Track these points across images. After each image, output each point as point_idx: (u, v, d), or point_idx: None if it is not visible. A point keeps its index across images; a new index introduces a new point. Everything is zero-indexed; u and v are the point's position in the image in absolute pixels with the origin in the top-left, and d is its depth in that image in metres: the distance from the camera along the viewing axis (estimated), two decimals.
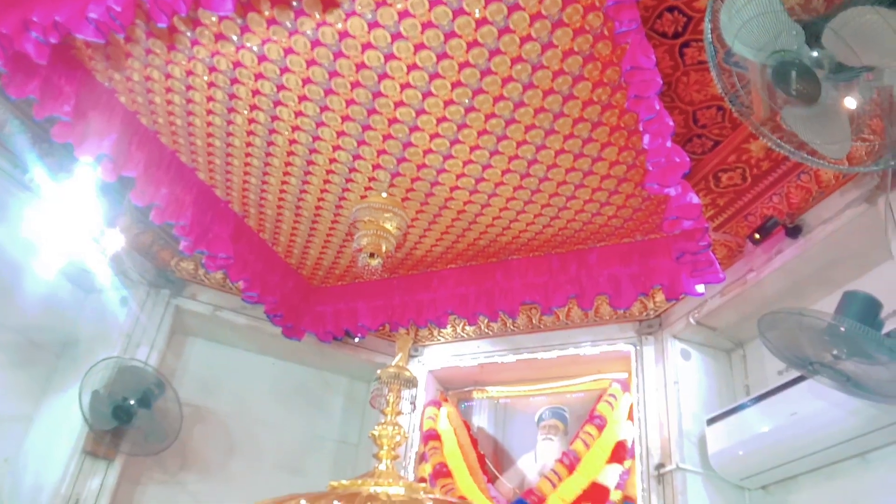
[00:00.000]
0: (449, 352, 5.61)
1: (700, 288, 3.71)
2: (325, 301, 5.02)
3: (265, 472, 5.23)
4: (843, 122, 2.68)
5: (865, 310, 2.95)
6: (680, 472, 4.23)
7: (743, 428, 3.98)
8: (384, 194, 3.78)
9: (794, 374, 3.68)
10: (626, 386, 4.95)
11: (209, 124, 3.54)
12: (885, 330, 2.94)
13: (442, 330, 5.53)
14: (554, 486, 4.64)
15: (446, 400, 5.69)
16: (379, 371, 3.50)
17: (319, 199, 3.98)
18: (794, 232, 3.84)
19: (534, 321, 5.25)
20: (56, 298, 4.83)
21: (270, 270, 4.60)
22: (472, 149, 3.45)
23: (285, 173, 3.81)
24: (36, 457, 4.51)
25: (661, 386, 4.61)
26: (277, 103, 3.32)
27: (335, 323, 4.94)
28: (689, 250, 3.40)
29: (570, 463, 4.69)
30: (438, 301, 4.57)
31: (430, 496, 2.84)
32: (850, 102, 2.70)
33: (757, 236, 4.02)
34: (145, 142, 3.70)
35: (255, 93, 3.28)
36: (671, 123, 2.83)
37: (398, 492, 2.84)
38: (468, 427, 5.48)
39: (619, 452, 4.63)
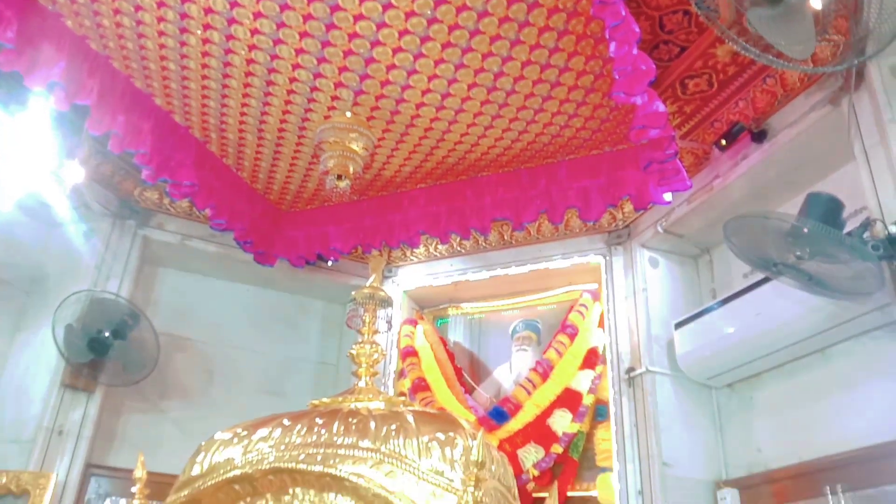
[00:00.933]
0: (422, 271, 5.65)
1: (667, 196, 3.75)
2: (296, 226, 4.98)
3: (246, 396, 5.31)
4: (808, 21, 2.66)
5: (828, 210, 3.02)
6: (649, 375, 4.38)
7: (709, 330, 4.11)
8: (348, 113, 3.70)
9: (759, 276, 3.79)
10: (596, 296, 5.05)
11: (162, 46, 3.41)
12: (846, 229, 3.01)
13: (415, 250, 5.55)
14: (529, 393, 4.78)
15: (422, 318, 5.77)
16: (354, 292, 3.51)
17: (282, 121, 3.89)
18: (760, 137, 3.87)
19: (505, 237, 5.29)
20: (20, 235, 4.74)
21: (237, 197, 4.54)
22: (437, 63, 3.37)
23: (245, 95, 3.70)
24: (15, 392, 4.52)
25: (631, 294, 4.72)
26: (231, 21, 3.19)
27: (307, 247, 4.92)
28: (656, 159, 3.41)
29: (543, 371, 4.82)
30: (409, 221, 4.57)
31: (410, 408, 2.91)
32: (815, 2, 2.68)
33: (723, 142, 4.04)
34: (98, 68, 3.56)
35: (208, 11, 3.15)
36: (637, 30, 2.78)
37: (378, 406, 2.90)
38: (444, 342, 5.58)
39: (591, 359, 4.77)
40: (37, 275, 4.90)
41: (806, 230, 2.93)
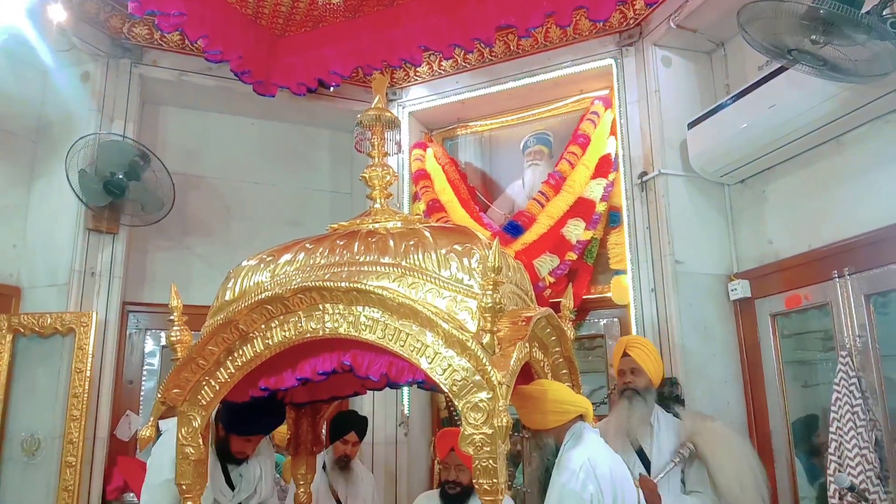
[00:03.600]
0: (428, 91, 5.52)
1: None
2: (292, 52, 4.82)
3: (265, 229, 5.42)
4: None
5: None
6: (662, 178, 4.39)
7: (723, 126, 4.06)
8: None
9: (773, 67, 3.67)
10: (608, 102, 4.95)
11: None
12: (864, 8, 2.86)
13: (418, 69, 5.40)
14: (542, 205, 4.84)
15: (431, 140, 5.73)
16: (359, 115, 3.46)
17: None
18: None
19: (511, 47, 5.10)
20: (16, 85, 4.66)
21: (229, 24, 4.37)
22: None
23: None
24: (42, 239, 4.66)
25: (643, 96, 4.62)
26: None
27: (305, 73, 4.80)
28: None
29: (556, 183, 4.85)
30: (409, 37, 4.40)
31: (426, 224, 2.96)
32: None
33: None
34: None
35: None
36: None
37: (396, 225, 2.95)
38: (456, 163, 5.58)
39: (604, 167, 4.77)
40: (41, 123, 4.86)
41: (823, 11, 2.79)
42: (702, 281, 4.32)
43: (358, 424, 4.16)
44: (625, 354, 3.59)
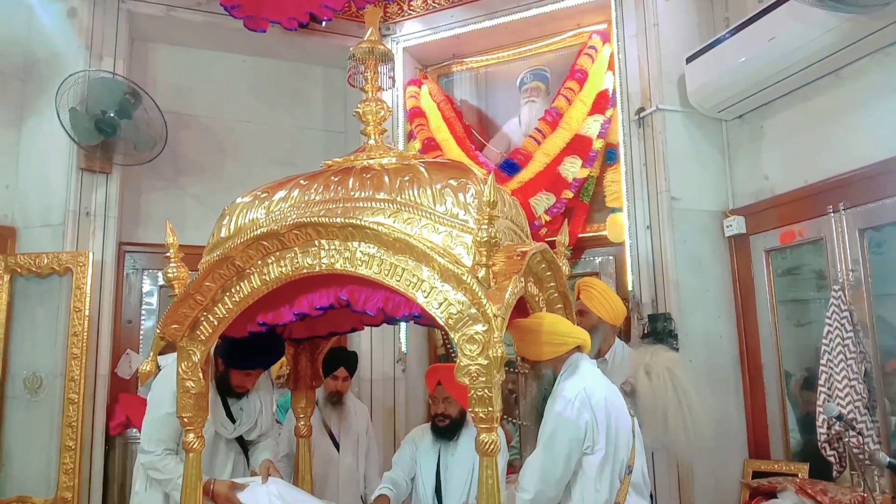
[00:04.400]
0: (422, 26, 5.42)
1: None
2: None
3: (258, 168, 5.38)
4: None
5: None
6: (660, 113, 4.35)
7: (721, 61, 4.01)
8: None
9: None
10: (605, 37, 4.87)
11: None
12: None
13: (412, 2, 5.28)
14: (538, 143, 4.81)
15: (426, 77, 5.64)
16: (351, 49, 3.40)
17: None
18: None
19: None
20: (1, 22, 4.55)
21: None
22: None
23: None
24: (35, 180, 4.62)
25: (642, 30, 4.53)
26: None
27: (296, 7, 4.69)
28: None
29: (552, 120, 4.80)
30: None
31: (421, 160, 2.95)
32: None
33: None
34: None
35: None
36: None
37: (390, 160, 2.93)
38: (451, 101, 5.51)
39: (601, 103, 4.73)
40: (28, 61, 4.77)
41: None
42: (697, 217, 4.33)
43: (347, 360, 4.20)
44: (577, 297, 3.60)
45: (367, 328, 4.65)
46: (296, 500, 3.05)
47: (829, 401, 3.37)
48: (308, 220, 2.61)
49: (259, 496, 3.02)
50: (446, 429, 3.38)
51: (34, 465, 4.29)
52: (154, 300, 5.06)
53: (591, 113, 4.74)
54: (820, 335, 3.56)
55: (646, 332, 4.12)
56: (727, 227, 4.29)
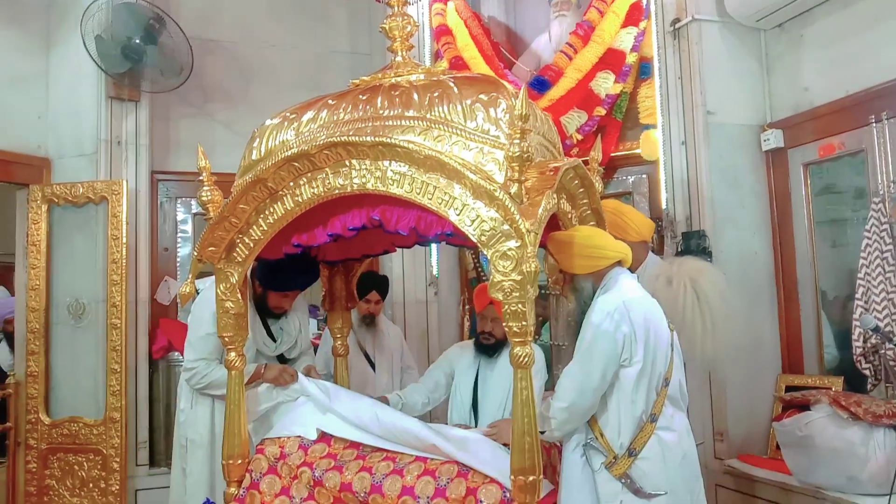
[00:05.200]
0: None
1: None
2: None
3: (286, 92, 5.29)
4: None
5: None
6: (695, 24, 4.18)
7: None
8: None
9: None
10: None
11: None
12: None
13: None
14: (570, 58, 4.67)
15: None
16: None
17: None
18: None
19: None
20: None
21: None
22: None
23: None
24: (65, 110, 4.66)
25: None
26: None
27: None
28: None
29: (584, 33, 4.65)
30: None
31: (451, 75, 2.89)
32: None
33: None
34: None
35: None
36: None
37: (419, 77, 2.88)
38: (478, 18, 5.35)
39: (634, 14, 4.55)
40: None
41: None
42: (734, 132, 4.21)
43: (378, 284, 4.29)
44: None
45: (399, 251, 4.71)
46: (337, 390, 3.17)
47: (865, 313, 3.34)
48: (338, 139, 2.60)
49: (305, 380, 3.14)
50: (490, 347, 3.44)
51: (83, 387, 4.47)
52: (189, 228, 5.13)
53: (624, 25, 4.57)
54: (856, 256, 3.50)
55: (679, 250, 4.08)
56: (764, 141, 4.18)
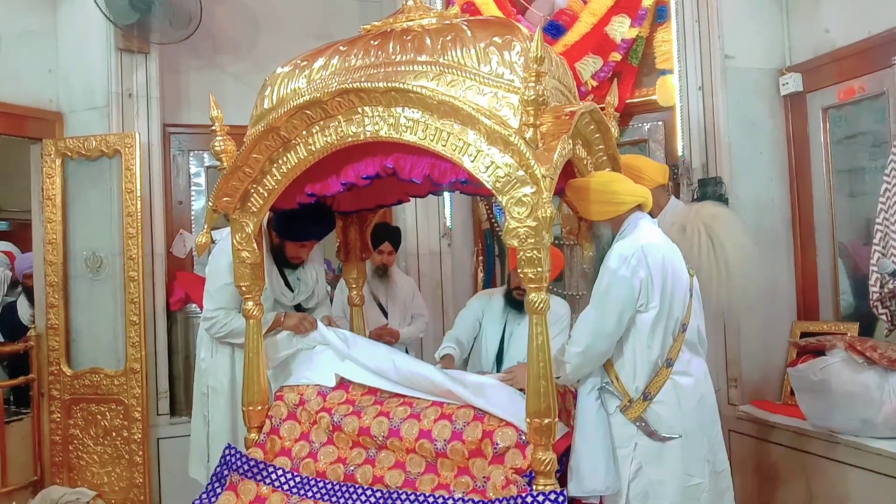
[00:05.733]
0: None
1: None
2: None
3: (295, 42, 5.12)
4: None
5: None
6: None
7: None
8: None
9: None
10: None
11: None
12: None
13: None
14: (584, 2, 4.58)
15: None
16: None
17: None
18: None
19: None
20: None
21: None
22: None
23: None
24: (75, 63, 4.62)
25: None
26: None
27: None
28: None
29: None
30: None
31: (463, 19, 2.84)
32: None
33: None
34: None
35: None
36: None
37: (431, 21, 2.82)
38: None
39: None
40: None
41: None
42: (752, 76, 4.13)
43: (391, 235, 4.34)
44: None
45: (412, 203, 4.70)
46: (355, 338, 3.21)
47: (883, 258, 3.31)
48: (350, 86, 2.58)
49: (324, 328, 3.18)
50: (521, 303, 3.47)
51: (103, 339, 4.53)
52: (202, 181, 5.12)
53: None
54: (874, 206, 3.45)
55: (695, 197, 4.04)
56: (783, 85, 4.09)
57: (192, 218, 5.08)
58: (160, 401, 4.60)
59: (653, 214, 3.06)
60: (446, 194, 5.22)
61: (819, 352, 3.42)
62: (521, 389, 2.73)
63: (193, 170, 5.12)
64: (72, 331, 4.55)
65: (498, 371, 3.39)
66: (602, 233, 2.64)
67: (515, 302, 3.47)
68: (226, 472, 2.85)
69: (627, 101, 4.63)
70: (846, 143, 4.08)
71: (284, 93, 2.84)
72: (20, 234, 6.42)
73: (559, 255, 3.55)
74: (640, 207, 2.63)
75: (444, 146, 2.49)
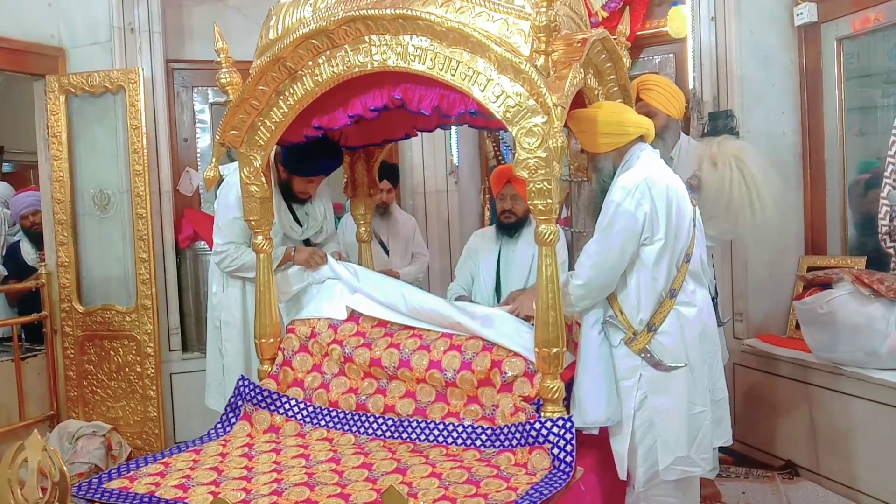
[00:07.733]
0: None
1: None
2: None
3: None
4: None
5: None
6: None
7: None
8: None
9: None
10: None
11: None
12: None
13: None
14: None
15: None
16: None
17: None
18: None
19: None
20: None
21: None
22: None
23: None
24: None
25: None
26: None
27: None
28: None
29: None
30: None
31: None
32: None
33: None
34: None
35: None
36: None
37: None
38: None
39: None
40: None
41: None
42: (766, 6, 4.04)
43: (389, 173, 4.33)
44: (638, 99, 3.30)
45: (419, 140, 4.67)
46: (366, 272, 3.24)
47: (893, 191, 3.29)
48: (356, 13, 2.53)
49: (334, 263, 3.21)
50: (511, 225, 3.50)
51: (113, 276, 4.56)
52: (206, 118, 5.07)
53: None
54: (885, 144, 3.41)
55: (706, 131, 4.00)
56: (797, 15, 4.00)
57: (199, 156, 5.05)
58: (172, 337, 4.66)
59: (663, 154, 3.01)
60: (453, 131, 5.17)
61: (826, 285, 3.44)
62: (526, 318, 2.76)
63: (198, 107, 5.06)
64: (82, 268, 4.57)
65: (498, 300, 3.44)
66: (603, 165, 2.59)
67: (506, 227, 3.52)
68: (240, 403, 2.91)
69: (638, 34, 4.55)
70: (859, 79, 4.01)
71: (290, 22, 2.78)
72: (27, 175, 6.43)
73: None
74: (642, 138, 2.59)
75: (454, 75, 2.46)
